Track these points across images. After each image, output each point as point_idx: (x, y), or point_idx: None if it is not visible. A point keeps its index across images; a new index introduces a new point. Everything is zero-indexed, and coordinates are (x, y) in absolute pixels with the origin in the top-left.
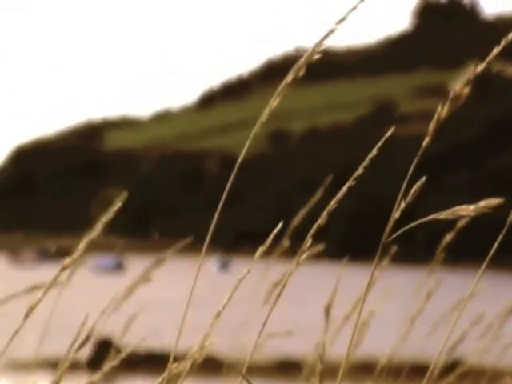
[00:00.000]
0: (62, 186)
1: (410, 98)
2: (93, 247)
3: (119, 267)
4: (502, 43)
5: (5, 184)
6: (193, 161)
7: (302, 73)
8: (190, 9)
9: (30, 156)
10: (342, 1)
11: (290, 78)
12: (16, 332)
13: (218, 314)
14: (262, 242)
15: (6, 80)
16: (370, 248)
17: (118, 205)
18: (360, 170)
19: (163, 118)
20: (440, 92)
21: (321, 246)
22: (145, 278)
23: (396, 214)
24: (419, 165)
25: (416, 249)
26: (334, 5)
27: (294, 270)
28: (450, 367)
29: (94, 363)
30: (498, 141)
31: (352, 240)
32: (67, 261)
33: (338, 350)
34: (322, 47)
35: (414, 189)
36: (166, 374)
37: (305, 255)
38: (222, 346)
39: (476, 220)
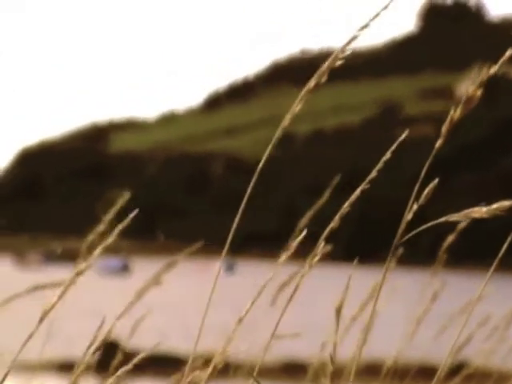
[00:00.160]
0: (67, 189)
1: (416, 100)
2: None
3: (125, 269)
4: None
5: (10, 186)
6: (198, 163)
7: (324, 79)
8: (191, 9)
9: (36, 158)
10: (342, 1)
11: (312, 83)
12: (30, 336)
13: (241, 320)
14: (268, 244)
15: (12, 82)
16: (376, 250)
17: (134, 211)
18: (374, 174)
19: (169, 120)
20: (445, 94)
21: (328, 247)
22: (156, 281)
23: (408, 216)
24: (427, 167)
25: (420, 251)
26: (334, 5)
27: (307, 272)
28: (456, 369)
29: (101, 365)
30: (506, 142)
31: (358, 242)
32: (82, 265)
33: (344, 352)
34: (345, 53)
35: (426, 190)
36: (187, 379)
37: (317, 258)
38: (229, 347)
39: (481, 222)
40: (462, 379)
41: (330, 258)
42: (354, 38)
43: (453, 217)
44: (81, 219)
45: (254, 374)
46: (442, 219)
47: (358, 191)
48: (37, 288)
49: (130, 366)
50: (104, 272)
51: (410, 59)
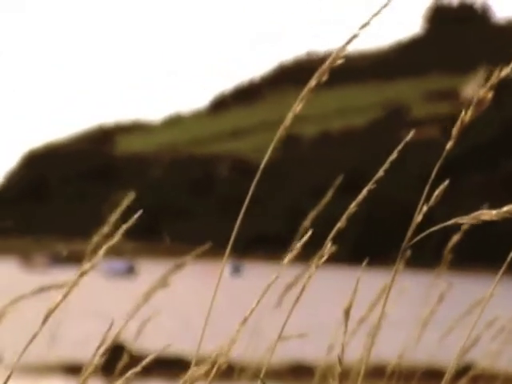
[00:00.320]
0: (73, 191)
1: (422, 102)
2: (104, 252)
3: (130, 271)
4: None
5: (17, 188)
6: (204, 165)
7: (325, 78)
8: (192, 10)
9: (42, 160)
10: (342, 1)
11: (313, 83)
12: (34, 336)
13: (245, 320)
14: (274, 246)
15: (18, 84)
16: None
17: (139, 212)
18: (380, 173)
19: (175, 122)
20: (452, 96)
21: (333, 248)
22: (163, 283)
23: (418, 218)
24: (433, 168)
25: (426, 252)
26: (334, 5)
27: (313, 273)
28: (463, 371)
29: (107, 368)
30: None
31: (363, 244)
32: (86, 266)
33: (351, 354)
34: (345, 52)
35: (436, 192)
36: (186, 378)
37: (324, 258)
38: (234, 349)
39: (488, 224)
40: (468, 381)
41: (336, 260)
42: (354, 37)
43: (462, 219)
44: (87, 221)
45: (261, 375)
46: (452, 221)
47: (364, 191)
48: (42, 289)
49: (138, 368)
50: (110, 274)
51: (416, 61)
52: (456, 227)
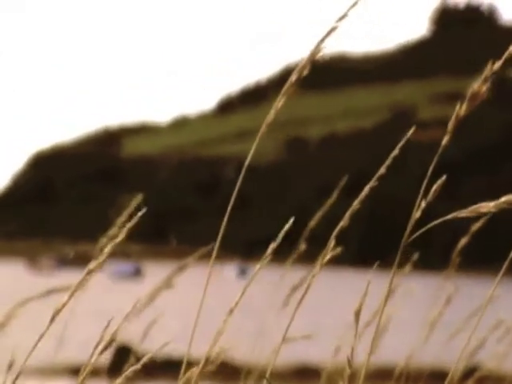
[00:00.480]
0: (80, 193)
1: (428, 104)
2: (111, 254)
3: (137, 273)
4: None
5: (23, 190)
6: (211, 167)
7: (306, 72)
8: (192, 10)
9: (49, 162)
10: (342, 1)
11: (293, 77)
12: (41, 337)
13: (231, 311)
14: (282, 248)
15: (24, 86)
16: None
17: (142, 211)
18: (382, 170)
19: (181, 124)
20: (458, 98)
21: (338, 249)
22: (167, 284)
23: (417, 214)
24: (435, 170)
25: (434, 256)
26: (334, 5)
27: (318, 272)
28: (469, 372)
29: (113, 369)
30: None
31: (368, 246)
32: (93, 264)
33: (358, 356)
34: (324, 45)
35: (434, 187)
36: (184, 377)
37: (328, 257)
38: (240, 351)
39: (496, 225)
40: (474, 382)
41: (341, 262)
42: (332, 30)
43: (462, 213)
44: (93, 223)
45: (267, 376)
46: (451, 215)
47: (366, 188)
48: (50, 292)
49: (138, 365)
50: (116, 276)
51: (423, 63)
52: (464, 230)
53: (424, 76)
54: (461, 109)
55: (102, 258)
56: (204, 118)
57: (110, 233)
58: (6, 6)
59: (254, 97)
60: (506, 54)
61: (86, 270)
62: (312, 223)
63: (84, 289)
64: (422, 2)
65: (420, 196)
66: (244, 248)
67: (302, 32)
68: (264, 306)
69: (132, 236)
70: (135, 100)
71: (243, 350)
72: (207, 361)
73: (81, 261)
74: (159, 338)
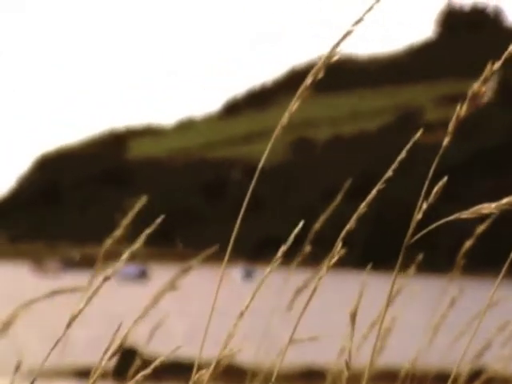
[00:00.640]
0: (85, 195)
1: (434, 106)
2: (116, 256)
3: (143, 276)
4: None
5: (29, 193)
6: (217, 169)
7: (320, 75)
8: (192, 11)
9: (54, 165)
10: (342, 1)
11: (309, 80)
12: (58, 341)
13: (242, 314)
14: (289, 250)
15: (28, 87)
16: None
17: (161, 217)
18: (389, 173)
19: (187, 126)
20: (464, 100)
21: (343, 251)
22: (172, 287)
23: (418, 216)
24: (440, 173)
25: (439, 258)
26: (334, 5)
27: (325, 274)
28: (475, 375)
29: (119, 371)
30: None
31: (374, 248)
32: (108, 271)
33: (364, 358)
34: (340, 49)
35: (435, 189)
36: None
37: (335, 259)
38: (246, 353)
39: (501, 228)
40: None
41: (347, 264)
42: (348, 33)
43: (464, 214)
44: (99, 226)
45: (273, 379)
46: (453, 216)
47: (374, 191)
48: (55, 293)
49: (149, 370)
50: (122, 279)
51: (429, 66)
52: (469, 232)
53: (430, 78)
54: (461, 109)
55: (118, 265)
56: (210, 120)
57: (116, 235)
58: (6, 6)
59: (260, 99)
60: (505, 54)
61: (101, 276)
62: (317, 225)
63: (87, 291)
64: (427, 5)
65: (421, 198)
66: (249, 250)
67: (302, 32)
68: (269, 308)
69: (137, 238)
70: (140, 102)
71: (249, 352)
72: (218, 364)
73: (86, 263)
74: (163, 340)
